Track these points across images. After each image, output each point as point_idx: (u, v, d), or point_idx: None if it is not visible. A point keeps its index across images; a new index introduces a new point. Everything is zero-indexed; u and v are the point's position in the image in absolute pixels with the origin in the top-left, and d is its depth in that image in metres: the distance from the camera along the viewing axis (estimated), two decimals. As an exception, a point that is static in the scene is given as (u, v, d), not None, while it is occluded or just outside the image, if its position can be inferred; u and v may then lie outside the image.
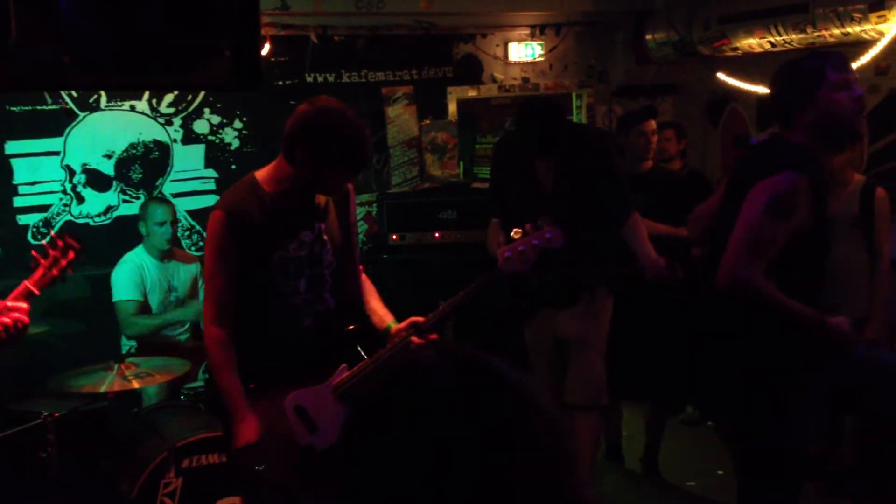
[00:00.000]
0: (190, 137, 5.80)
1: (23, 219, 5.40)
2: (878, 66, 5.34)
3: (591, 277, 4.11)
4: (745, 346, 2.80)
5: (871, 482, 4.23)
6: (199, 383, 4.73)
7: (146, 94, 5.63)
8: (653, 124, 4.81)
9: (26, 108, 5.36)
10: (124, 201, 5.62)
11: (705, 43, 5.91)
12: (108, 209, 5.60)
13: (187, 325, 4.98)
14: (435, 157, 6.49)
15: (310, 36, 5.98)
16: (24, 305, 2.89)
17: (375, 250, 6.12)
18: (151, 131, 5.70)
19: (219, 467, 3.74)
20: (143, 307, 4.85)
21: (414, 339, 2.88)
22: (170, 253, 4.97)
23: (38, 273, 3.03)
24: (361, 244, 6.20)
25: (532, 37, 6.78)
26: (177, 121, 5.76)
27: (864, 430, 4.21)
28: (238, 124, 5.90)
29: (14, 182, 5.37)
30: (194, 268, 5.05)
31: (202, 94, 5.74)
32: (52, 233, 3.34)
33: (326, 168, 2.76)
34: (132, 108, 5.64)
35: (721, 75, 6.17)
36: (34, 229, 5.42)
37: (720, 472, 4.47)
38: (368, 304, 3.10)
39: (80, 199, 5.54)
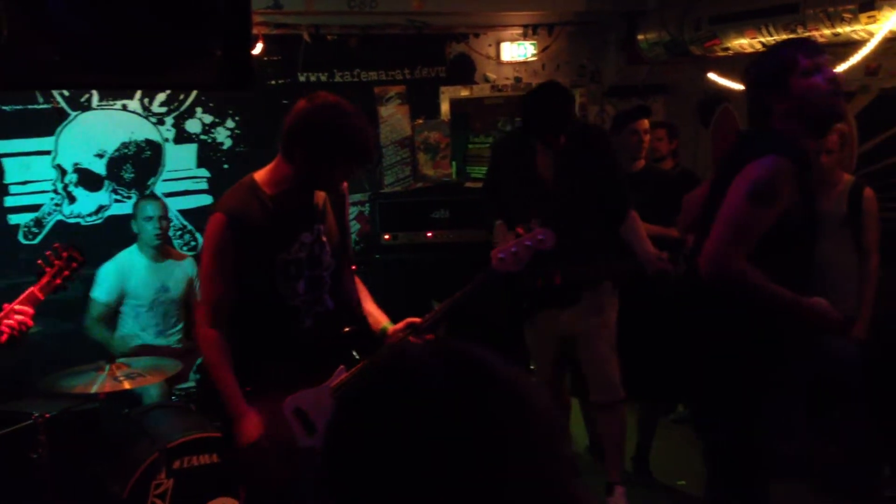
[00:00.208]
0: (182, 137, 5.79)
1: (13, 218, 5.38)
2: (868, 66, 5.36)
3: (592, 274, 4.11)
4: (721, 344, 2.80)
5: (857, 480, 4.25)
6: (191, 384, 4.72)
7: (138, 94, 5.61)
8: (646, 123, 4.82)
9: (17, 107, 5.34)
10: (116, 201, 5.61)
11: (697, 43, 5.92)
12: (100, 209, 5.58)
13: (179, 328, 4.96)
14: (427, 157, 6.49)
15: (302, 35, 5.98)
16: (30, 310, 3.05)
17: (368, 250, 6.12)
18: (143, 130, 5.69)
19: (210, 468, 3.73)
20: (111, 314, 4.88)
21: (411, 339, 2.91)
22: (164, 251, 4.96)
23: (44, 280, 3.22)
24: (354, 244, 6.19)
25: (524, 36, 6.78)
26: (169, 120, 5.74)
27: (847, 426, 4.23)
28: (230, 124, 5.89)
29: (5, 182, 5.34)
30: (189, 267, 5.03)
31: (194, 93, 5.73)
32: (58, 244, 3.41)
33: (327, 164, 2.75)
34: (124, 108, 5.63)
35: (712, 75, 6.19)
36: (25, 229, 5.40)
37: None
38: (363, 306, 3.11)
39: (72, 199, 5.52)
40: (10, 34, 1.56)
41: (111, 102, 5.58)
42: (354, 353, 2.97)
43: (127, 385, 3.81)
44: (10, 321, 2.94)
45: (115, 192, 5.62)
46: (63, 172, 5.48)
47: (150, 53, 1.73)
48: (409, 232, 5.89)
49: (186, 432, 3.77)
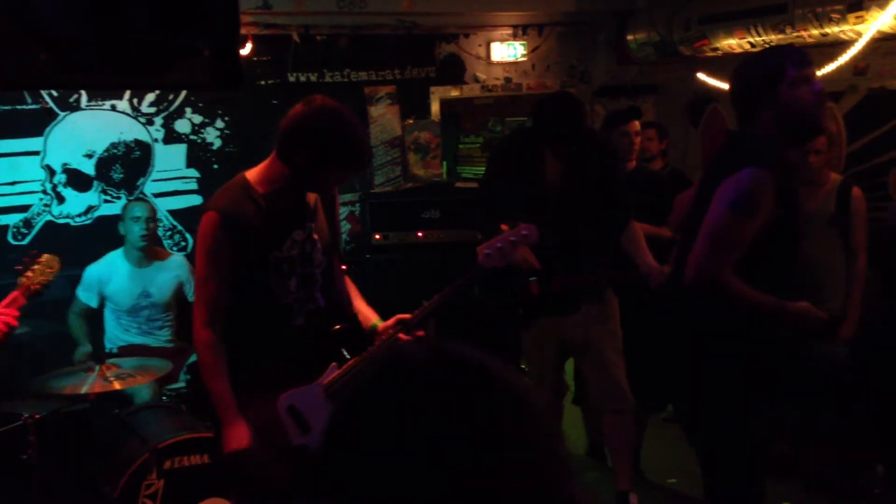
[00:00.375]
0: (171, 137, 5.78)
1: (2, 219, 5.37)
2: (856, 66, 5.39)
3: (594, 283, 4.08)
4: (708, 345, 2.82)
5: (849, 480, 4.26)
6: (181, 384, 4.71)
7: (127, 94, 5.60)
8: (637, 125, 4.83)
9: (6, 107, 5.32)
10: (105, 201, 5.60)
11: (686, 43, 5.95)
12: (89, 209, 5.57)
13: (168, 330, 4.94)
14: (418, 157, 6.50)
15: (292, 35, 5.98)
16: (14, 311, 3.10)
17: (358, 250, 6.12)
18: (132, 131, 5.68)
19: (201, 468, 3.72)
20: (93, 313, 4.88)
21: (401, 335, 2.92)
22: (150, 254, 4.88)
23: (25, 284, 3.29)
24: (345, 244, 6.19)
25: (514, 37, 6.79)
26: (158, 120, 5.73)
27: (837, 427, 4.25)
28: (220, 124, 5.88)
29: (-7, 182, 5.34)
30: (178, 268, 4.96)
31: (184, 93, 5.72)
32: (33, 251, 3.44)
33: (326, 167, 2.77)
34: (113, 108, 5.61)
35: (701, 75, 6.21)
36: (14, 230, 5.39)
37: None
38: (354, 304, 3.13)
39: (61, 199, 5.50)
40: (-2, 34, 1.56)
41: (100, 103, 5.57)
42: (345, 351, 2.97)
43: (117, 385, 3.81)
44: None
45: (104, 192, 5.60)
46: (52, 173, 5.47)
47: (139, 53, 1.72)
48: (399, 232, 5.90)
49: (177, 433, 3.76)
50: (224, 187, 2.89)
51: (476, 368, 0.96)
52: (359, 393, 0.99)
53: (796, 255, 2.86)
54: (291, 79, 6.03)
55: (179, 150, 5.81)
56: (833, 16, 4.77)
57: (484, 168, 7.24)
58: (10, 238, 5.37)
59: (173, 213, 5.79)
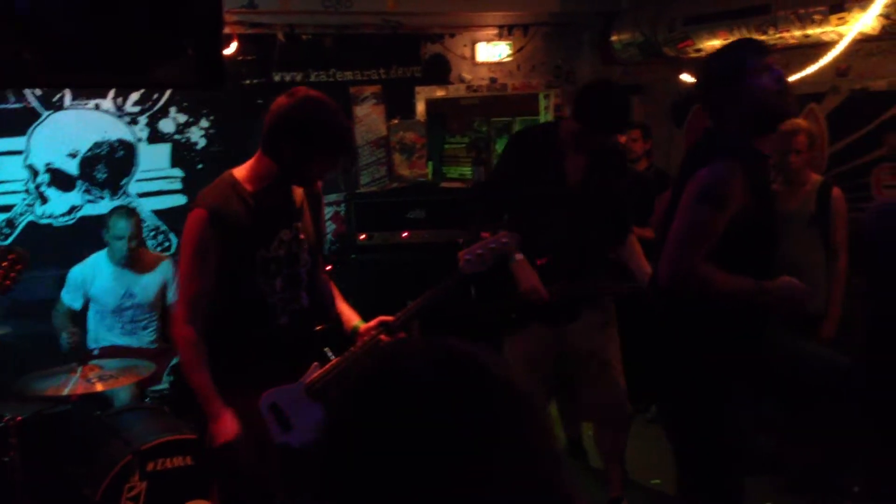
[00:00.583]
0: (156, 136, 5.75)
1: (-15, 219, 5.34)
2: (838, 67, 5.42)
3: (596, 291, 4.04)
4: (685, 341, 2.83)
5: (830, 477, 4.29)
6: (164, 386, 4.69)
7: (111, 93, 5.58)
8: (622, 126, 4.84)
9: (-12, 106, 5.29)
10: (88, 201, 5.57)
11: (670, 44, 5.97)
12: (72, 209, 5.54)
13: (152, 331, 4.91)
14: (403, 157, 6.49)
15: (277, 35, 5.97)
16: None
17: (343, 250, 6.11)
18: (116, 130, 5.65)
19: (184, 470, 3.71)
20: (78, 314, 4.85)
21: (383, 337, 2.95)
22: (134, 259, 4.83)
23: None
24: (330, 244, 6.19)
25: (500, 37, 6.80)
26: (142, 119, 5.71)
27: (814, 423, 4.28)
28: (205, 123, 5.86)
29: (-24, 182, 5.30)
30: (163, 271, 4.91)
31: (168, 92, 5.70)
32: (1, 247, 3.43)
33: (312, 157, 2.78)
34: (97, 107, 5.59)
35: (685, 76, 6.23)
36: (-4, 229, 5.36)
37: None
38: (336, 305, 3.15)
39: (44, 199, 5.47)
40: (-22, 33, 1.55)
41: (84, 102, 5.54)
42: (328, 351, 2.99)
43: (99, 387, 3.79)
44: None
45: (87, 192, 5.57)
46: (35, 173, 5.43)
47: (122, 52, 1.72)
48: (384, 232, 5.89)
49: (160, 434, 3.75)
50: (212, 185, 2.88)
51: (475, 366, 0.96)
52: (357, 390, 0.98)
53: (773, 248, 2.88)
54: (276, 78, 6.02)
55: (164, 150, 5.79)
56: (815, 17, 4.80)
57: (470, 168, 7.28)
58: (-8, 238, 5.34)
59: (157, 212, 5.77)
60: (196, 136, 5.85)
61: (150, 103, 5.71)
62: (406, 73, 6.53)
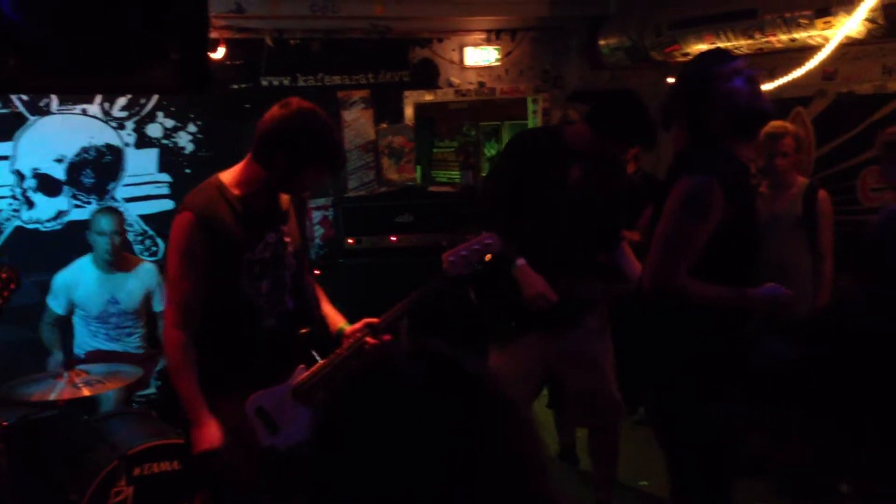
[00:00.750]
0: (143, 141, 5.74)
1: (-29, 224, 5.31)
2: (824, 70, 5.45)
3: (599, 295, 4.01)
4: (669, 343, 2.84)
5: (816, 480, 4.31)
6: (152, 390, 4.67)
7: (98, 98, 5.56)
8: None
9: (-26, 111, 5.27)
10: (76, 206, 5.55)
11: (657, 48, 5.99)
12: (59, 214, 5.52)
13: (137, 337, 4.89)
14: (392, 161, 6.50)
15: (265, 39, 5.96)
16: None
17: (331, 254, 6.11)
18: (103, 135, 5.63)
19: (171, 475, 3.70)
20: (64, 320, 4.82)
21: (368, 339, 2.95)
22: (118, 262, 4.80)
23: None
24: (318, 248, 6.18)
25: (488, 41, 6.82)
26: (129, 124, 5.70)
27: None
28: (192, 128, 5.85)
29: (-38, 187, 5.28)
30: (147, 276, 4.88)
31: (155, 97, 5.69)
32: None
33: (304, 169, 2.81)
34: (84, 112, 5.57)
35: (672, 80, 6.25)
36: (-17, 235, 5.33)
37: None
38: (322, 307, 3.16)
39: (31, 205, 5.45)
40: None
41: (71, 107, 5.52)
42: (314, 354, 3.00)
43: (86, 392, 3.77)
44: None
45: (74, 197, 5.55)
46: (22, 178, 5.41)
47: (107, 56, 1.71)
48: (372, 236, 5.89)
49: (147, 439, 3.74)
50: (198, 188, 2.89)
51: (461, 369, 0.97)
52: (344, 392, 0.98)
53: (756, 255, 2.89)
54: (264, 83, 6.01)
55: (151, 155, 5.77)
56: (801, 21, 4.83)
57: (458, 172, 7.30)
58: (-22, 243, 5.31)
59: (145, 217, 5.75)
60: (184, 140, 5.84)
61: (138, 108, 5.70)
62: (394, 77, 6.54)
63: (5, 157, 5.37)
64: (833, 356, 4.11)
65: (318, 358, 2.99)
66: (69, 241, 5.30)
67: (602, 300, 4.07)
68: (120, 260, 4.81)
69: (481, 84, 6.84)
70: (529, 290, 3.73)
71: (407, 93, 6.59)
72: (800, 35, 4.91)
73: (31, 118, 5.42)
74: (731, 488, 2.97)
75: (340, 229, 5.98)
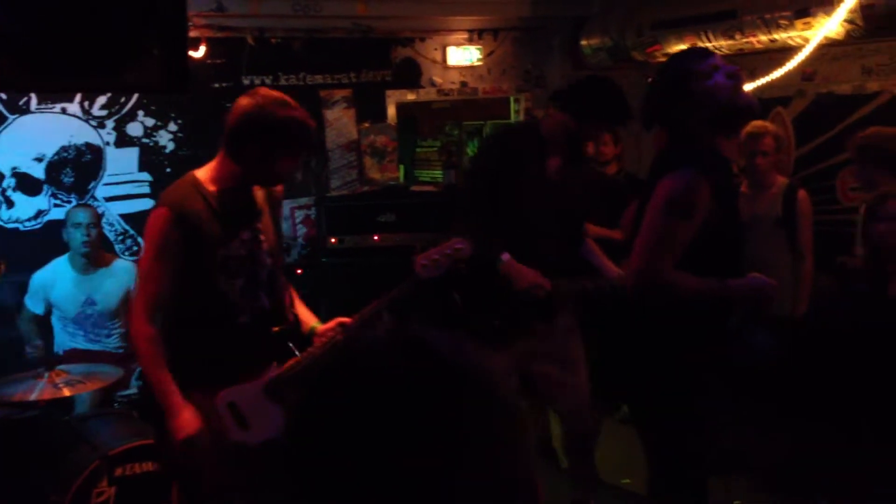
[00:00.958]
0: (123, 140, 5.71)
1: (-50, 223, 5.27)
2: (804, 71, 5.50)
3: (584, 290, 4.02)
4: (650, 344, 2.86)
5: (799, 474, 4.33)
6: (133, 391, 4.65)
7: (78, 97, 5.53)
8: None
9: (-47, 110, 5.23)
10: (55, 206, 5.51)
11: (638, 49, 6.02)
12: (39, 214, 5.48)
13: (116, 338, 4.86)
14: (374, 161, 6.49)
15: (246, 38, 5.94)
16: None
17: (314, 254, 6.09)
18: (83, 134, 5.60)
19: (153, 475, 3.68)
20: (42, 320, 4.80)
21: (340, 338, 3.01)
22: (95, 260, 4.78)
23: None
24: (300, 248, 6.17)
25: (470, 41, 6.82)
26: (110, 123, 5.66)
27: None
28: (173, 127, 5.82)
29: (-60, 186, 5.23)
30: (125, 274, 4.84)
31: (136, 96, 5.66)
32: None
33: (276, 157, 2.82)
34: (63, 111, 5.53)
35: (650, 81, 6.28)
36: (-38, 234, 5.29)
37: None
38: (294, 307, 3.19)
39: (10, 204, 5.41)
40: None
41: (50, 106, 5.48)
42: (292, 346, 3.03)
43: (67, 392, 3.76)
44: None
45: (54, 196, 5.52)
46: (1, 177, 5.37)
47: (86, 57, 1.71)
48: (355, 235, 5.88)
49: (128, 439, 3.72)
50: (174, 185, 2.92)
51: (443, 359, 0.96)
52: (320, 382, 0.98)
53: (740, 252, 2.91)
54: (246, 82, 5.99)
55: (131, 154, 5.74)
56: (781, 22, 4.86)
57: (441, 172, 7.29)
58: (-42, 243, 5.27)
59: (125, 217, 5.72)
60: (164, 139, 5.81)
61: (118, 107, 5.66)
62: (377, 76, 6.53)
63: (-16, 156, 5.33)
64: (815, 354, 4.14)
65: (296, 352, 3.01)
66: (49, 241, 5.25)
67: (576, 297, 4.06)
68: (97, 256, 4.78)
69: (464, 84, 6.85)
70: (521, 282, 3.71)
71: (389, 92, 6.58)
72: (779, 36, 4.94)
73: (10, 117, 5.38)
74: (707, 486, 2.99)
75: (323, 229, 5.97)
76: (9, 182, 5.39)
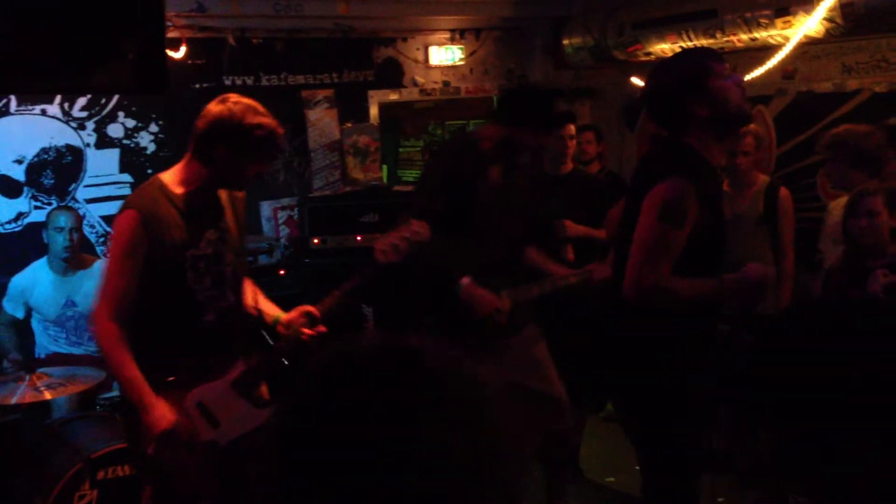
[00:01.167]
0: (104, 141, 5.67)
1: (-71, 226, 5.22)
2: (784, 70, 5.53)
3: (559, 285, 3.95)
4: (642, 347, 2.86)
5: (784, 475, 4.34)
6: (115, 393, 4.62)
7: (58, 98, 5.49)
8: (571, 129, 4.86)
9: (-69, 112, 5.18)
10: (36, 208, 5.47)
11: (620, 48, 6.04)
12: (19, 216, 5.44)
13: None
14: (357, 161, 6.48)
15: (227, 38, 5.92)
16: None
17: (297, 254, 6.07)
18: (64, 135, 5.56)
19: (135, 478, 3.66)
20: (22, 323, 4.76)
21: (305, 330, 3.07)
22: (76, 262, 4.75)
23: None
24: (283, 248, 6.15)
25: (452, 41, 6.82)
26: (90, 125, 5.62)
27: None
28: (154, 128, 5.79)
29: (-81, 189, 5.18)
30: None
31: (116, 97, 5.62)
32: None
33: (244, 161, 2.88)
34: (43, 112, 5.49)
35: (635, 80, 6.30)
36: (-59, 237, 5.24)
37: (639, 468, 4.54)
38: (257, 301, 3.24)
39: (-10, 206, 5.37)
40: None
41: (30, 107, 5.44)
42: (265, 334, 3.09)
43: (48, 395, 3.74)
44: None
45: (34, 198, 5.48)
46: (-20, 179, 5.33)
47: (64, 58, 1.70)
48: (338, 236, 5.86)
49: (110, 442, 3.70)
50: (139, 188, 2.99)
51: (425, 362, 0.96)
52: (309, 382, 0.98)
53: (723, 251, 2.91)
54: (227, 82, 5.96)
55: (112, 155, 5.71)
56: (761, 21, 4.89)
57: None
58: (-63, 245, 5.22)
59: (106, 218, 5.68)
60: (145, 140, 5.78)
61: (98, 108, 5.63)
62: (359, 76, 6.52)
63: (-37, 159, 5.28)
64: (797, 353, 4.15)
65: (270, 341, 3.07)
66: (29, 243, 5.22)
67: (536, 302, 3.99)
68: (77, 260, 4.75)
69: (446, 83, 6.85)
70: (483, 310, 3.63)
71: (371, 92, 6.58)
72: (760, 34, 4.97)
73: (-10, 119, 5.34)
74: (699, 485, 3.00)
75: (305, 229, 5.95)
76: (-12, 184, 5.35)
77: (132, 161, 5.75)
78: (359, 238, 5.83)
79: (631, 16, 5.86)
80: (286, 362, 3.04)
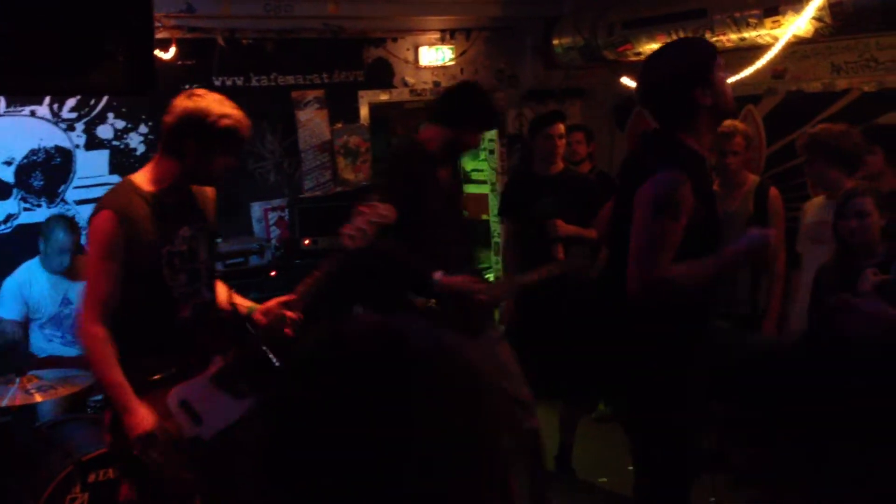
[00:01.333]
0: (93, 143, 5.65)
1: (-83, 229, 5.20)
2: (774, 69, 5.55)
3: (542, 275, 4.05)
4: (641, 346, 2.86)
5: (775, 474, 4.36)
6: (106, 395, 4.60)
7: (47, 99, 5.46)
8: (560, 128, 4.87)
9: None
10: (25, 209, 5.45)
11: (610, 48, 6.05)
12: (9, 218, 5.41)
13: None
14: (347, 161, 6.48)
15: (217, 39, 5.90)
16: None
17: (287, 255, 6.06)
18: (53, 137, 5.53)
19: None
20: (21, 327, 4.73)
21: (287, 312, 3.09)
22: (70, 273, 4.72)
23: None
24: (274, 249, 6.14)
25: (442, 41, 6.82)
26: (79, 126, 5.60)
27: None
28: (143, 129, 5.77)
29: None
30: None
31: (105, 98, 5.60)
32: None
33: (213, 155, 2.89)
34: (32, 114, 5.46)
35: (625, 79, 6.31)
36: (-71, 239, 5.21)
37: (631, 468, 4.55)
38: (231, 297, 3.27)
39: (-22, 208, 5.34)
40: None
41: (19, 109, 5.42)
42: (249, 326, 3.10)
43: (39, 398, 3.72)
44: None
45: (24, 200, 5.45)
46: (-31, 181, 5.31)
47: (52, 59, 1.69)
48: (329, 236, 5.85)
49: (101, 445, 3.68)
50: (112, 190, 2.99)
51: (417, 348, 0.95)
52: (298, 367, 0.97)
53: (717, 244, 2.91)
54: (217, 83, 5.95)
55: (102, 156, 5.69)
56: (751, 20, 4.91)
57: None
58: (-75, 248, 5.19)
59: (97, 220, 5.66)
60: (135, 142, 5.76)
61: (88, 109, 5.61)
62: (349, 77, 6.52)
63: (-48, 160, 5.26)
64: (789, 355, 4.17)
65: (252, 330, 3.09)
66: (19, 245, 5.20)
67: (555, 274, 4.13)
68: (73, 268, 4.73)
69: (436, 83, 6.85)
70: (465, 287, 3.70)
71: (362, 92, 6.57)
72: (749, 34, 4.99)
73: (-22, 120, 5.31)
74: (691, 485, 3.01)
75: (296, 230, 5.95)
76: (-23, 186, 5.33)
77: (122, 162, 5.73)
78: (350, 239, 5.81)
79: (621, 16, 5.87)
80: (266, 350, 3.05)
